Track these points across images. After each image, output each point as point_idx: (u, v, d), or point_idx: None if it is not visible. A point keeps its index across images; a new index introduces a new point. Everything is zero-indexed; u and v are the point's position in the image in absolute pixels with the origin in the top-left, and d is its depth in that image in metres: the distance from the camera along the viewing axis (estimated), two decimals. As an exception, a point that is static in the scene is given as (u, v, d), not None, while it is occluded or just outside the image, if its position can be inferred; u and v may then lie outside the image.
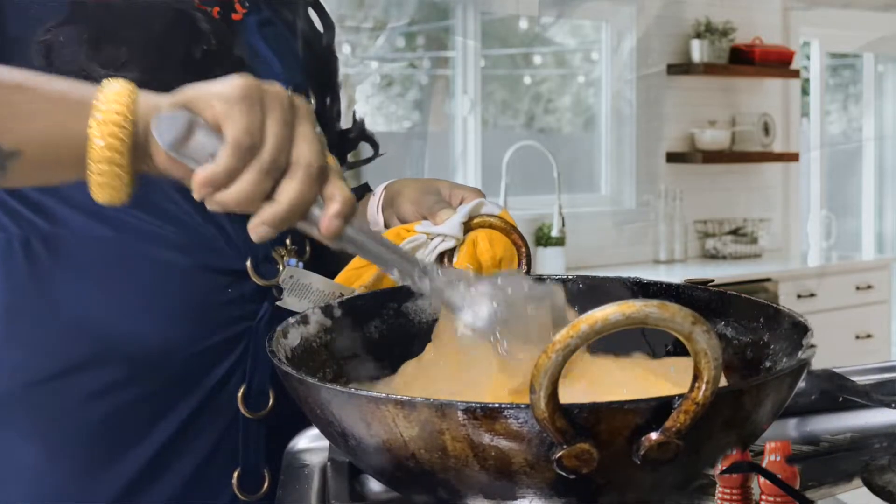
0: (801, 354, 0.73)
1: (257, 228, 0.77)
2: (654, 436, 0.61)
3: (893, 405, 1.01)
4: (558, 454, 0.61)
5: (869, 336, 5.24)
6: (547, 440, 0.61)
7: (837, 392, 1.02)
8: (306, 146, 0.76)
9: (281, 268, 1.09)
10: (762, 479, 0.83)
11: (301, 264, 1.11)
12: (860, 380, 1.05)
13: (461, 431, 0.62)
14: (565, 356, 0.58)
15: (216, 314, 1.06)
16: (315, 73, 1.20)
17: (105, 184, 0.77)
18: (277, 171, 0.75)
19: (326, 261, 1.17)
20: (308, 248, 1.14)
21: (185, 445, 1.06)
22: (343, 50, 4.27)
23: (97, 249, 1.03)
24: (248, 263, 1.08)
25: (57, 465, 1.03)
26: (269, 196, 0.76)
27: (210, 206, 0.78)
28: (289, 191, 0.75)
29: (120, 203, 0.80)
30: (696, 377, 0.60)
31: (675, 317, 0.59)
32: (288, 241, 1.11)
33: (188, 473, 1.06)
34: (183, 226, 1.05)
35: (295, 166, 0.75)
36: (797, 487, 0.88)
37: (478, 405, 0.61)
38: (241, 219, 1.08)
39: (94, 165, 0.77)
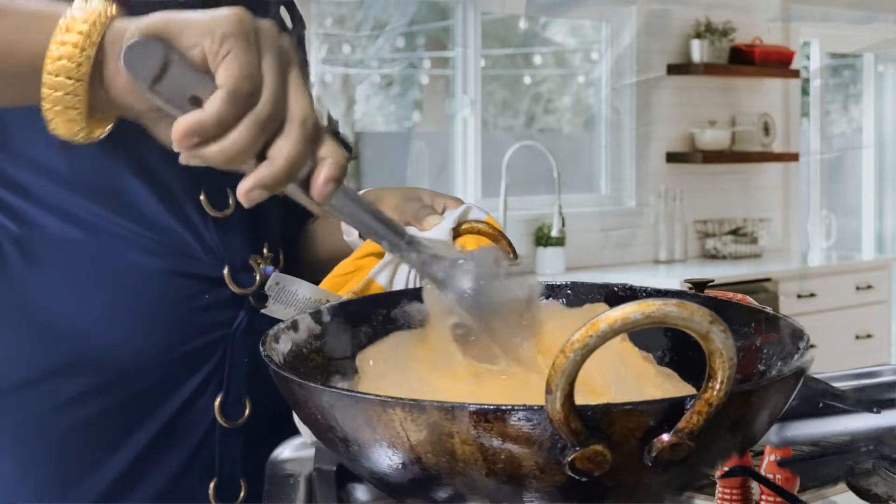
0: (801, 356, 0.73)
1: (251, 192, 0.69)
2: (665, 437, 0.61)
3: (875, 410, 1.01)
4: (571, 456, 0.60)
5: (869, 336, 5.23)
6: (559, 443, 0.60)
7: (818, 397, 1.03)
8: (302, 99, 0.69)
9: (257, 276, 1.06)
10: (762, 480, 0.84)
11: (277, 272, 1.08)
12: (841, 385, 1.06)
13: (471, 434, 0.61)
14: (584, 356, 0.58)
15: (192, 321, 1.03)
16: None
17: (59, 111, 0.71)
18: (274, 125, 0.68)
19: (302, 269, 1.14)
20: (282, 257, 1.12)
21: (161, 455, 1.02)
22: (343, 50, 4.26)
23: (70, 253, 0.99)
24: (226, 271, 1.05)
25: (27, 475, 0.99)
26: (259, 154, 0.69)
27: (189, 160, 0.70)
28: (285, 148, 0.68)
29: (80, 141, 0.74)
30: (710, 377, 0.59)
31: (693, 315, 0.58)
32: (265, 250, 1.09)
33: (164, 484, 1.03)
34: (159, 230, 1.01)
35: (291, 121, 0.69)
36: (796, 490, 0.89)
37: (489, 407, 0.60)
38: (218, 224, 1.06)
39: (48, 80, 0.70)
